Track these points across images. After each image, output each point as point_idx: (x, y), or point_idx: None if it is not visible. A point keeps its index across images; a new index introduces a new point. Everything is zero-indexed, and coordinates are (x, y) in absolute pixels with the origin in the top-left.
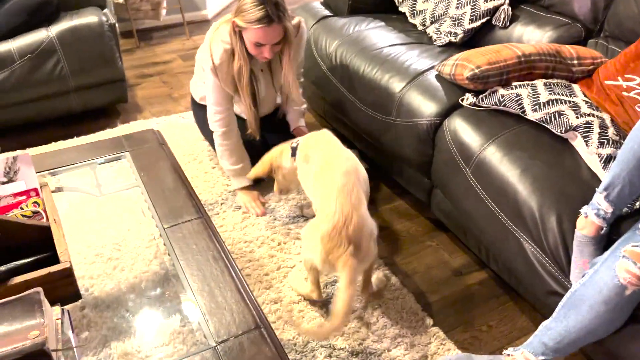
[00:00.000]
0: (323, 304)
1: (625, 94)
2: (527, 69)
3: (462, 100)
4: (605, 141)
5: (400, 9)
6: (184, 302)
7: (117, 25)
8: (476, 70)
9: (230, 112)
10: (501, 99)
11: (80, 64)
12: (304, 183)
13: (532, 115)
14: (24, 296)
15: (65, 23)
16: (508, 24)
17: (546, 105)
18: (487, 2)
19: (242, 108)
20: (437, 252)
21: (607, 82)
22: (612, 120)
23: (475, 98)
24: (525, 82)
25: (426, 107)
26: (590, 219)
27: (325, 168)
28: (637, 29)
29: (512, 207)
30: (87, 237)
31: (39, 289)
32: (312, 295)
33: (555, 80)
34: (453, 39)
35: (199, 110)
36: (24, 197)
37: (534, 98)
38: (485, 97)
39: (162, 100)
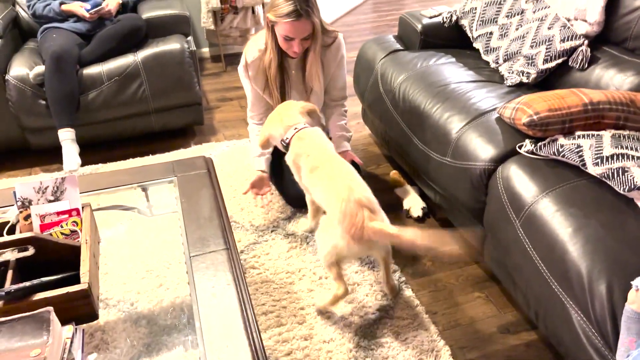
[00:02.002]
0: (354, 337)
1: None
2: (594, 117)
3: (520, 147)
4: None
5: (474, 45)
6: (191, 335)
7: (198, 51)
8: (534, 117)
9: (264, 113)
10: (560, 149)
11: (161, 88)
12: (296, 175)
13: (592, 170)
14: (36, 314)
15: (151, 49)
16: (586, 66)
17: (609, 160)
18: (563, 42)
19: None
20: (485, 304)
21: None
22: None
23: (533, 146)
24: (590, 132)
25: (482, 151)
26: None
27: (317, 169)
28: None
29: (560, 268)
30: (122, 256)
31: (50, 308)
32: (339, 291)
33: (626, 132)
34: (525, 79)
35: None
36: (65, 216)
37: (597, 150)
38: (544, 145)
39: (236, 124)
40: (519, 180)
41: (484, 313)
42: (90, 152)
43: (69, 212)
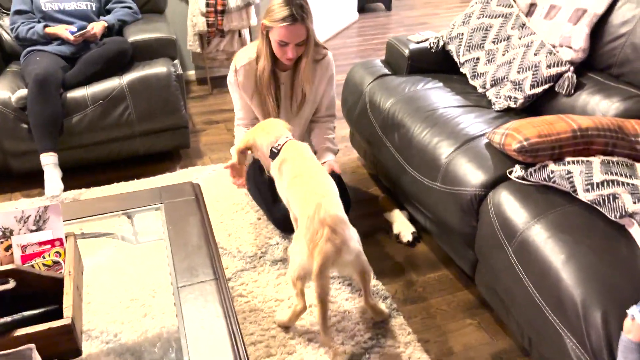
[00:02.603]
0: None
1: None
2: (583, 143)
3: (510, 172)
4: None
5: (461, 70)
6: None
7: (184, 74)
8: (524, 143)
9: (251, 121)
10: (551, 175)
11: (147, 111)
12: (278, 187)
13: (583, 196)
14: (17, 351)
15: (137, 72)
16: (572, 91)
17: (600, 186)
18: (549, 68)
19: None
20: (478, 331)
21: None
22: None
23: (524, 171)
24: (580, 159)
25: (472, 176)
26: (637, 322)
27: (297, 178)
28: None
29: (554, 296)
30: (105, 285)
31: (32, 345)
32: (298, 307)
33: (615, 159)
34: (512, 104)
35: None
36: (48, 246)
37: (587, 177)
38: (535, 171)
39: (223, 147)
40: (510, 206)
41: (476, 340)
42: (73, 176)
43: (51, 242)
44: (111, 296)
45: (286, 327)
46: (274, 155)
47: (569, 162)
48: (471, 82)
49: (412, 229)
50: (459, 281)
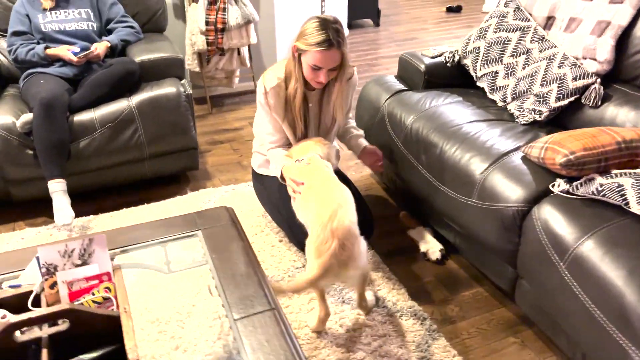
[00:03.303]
0: None
1: None
2: (628, 155)
3: (553, 186)
4: None
5: (478, 84)
6: None
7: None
8: (571, 157)
9: (285, 142)
10: (600, 189)
11: (157, 133)
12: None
13: (637, 209)
14: None
15: (145, 93)
16: (599, 103)
17: None
18: (575, 80)
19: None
20: (522, 349)
21: None
22: None
23: (568, 185)
24: (627, 171)
25: (512, 192)
26: None
27: (312, 189)
28: None
29: (617, 312)
30: (152, 313)
31: None
32: (321, 313)
33: None
34: (537, 117)
35: (258, 181)
36: (96, 282)
37: (639, 189)
38: (581, 184)
39: (231, 167)
40: (559, 221)
41: (522, 359)
42: (79, 202)
43: (99, 276)
44: (154, 324)
45: (318, 332)
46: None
47: (617, 175)
48: (490, 95)
49: (439, 246)
50: (494, 298)
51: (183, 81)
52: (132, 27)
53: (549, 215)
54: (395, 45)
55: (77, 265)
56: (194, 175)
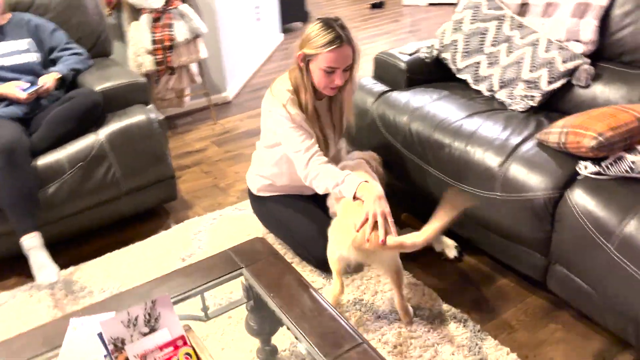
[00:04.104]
0: None
1: None
2: None
3: (581, 169)
4: None
5: (459, 76)
6: None
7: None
8: (601, 138)
9: (317, 146)
10: (632, 166)
11: (132, 166)
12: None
13: None
14: None
15: (114, 125)
16: (590, 83)
17: None
18: (565, 62)
19: None
20: (568, 335)
21: None
22: None
23: (597, 166)
24: None
25: (538, 180)
26: None
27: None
28: None
29: None
30: None
31: None
32: (335, 290)
33: None
34: (531, 102)
35: (259, 204)
36: (171, 349)
37: None
38: (611, 164)
39: (209, 192)
40: (597, 204)
41: (570, 344)
42: (52, 254)
43: (173, 342)
44: None
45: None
46: None
47: None
48: (474, 86)
49: (453, 243)
50: (521, 287)
51: (150, 106)
52: (79, 53)
53: (585, 199)
54: None
55: (145, 334)
56: (172, 206)
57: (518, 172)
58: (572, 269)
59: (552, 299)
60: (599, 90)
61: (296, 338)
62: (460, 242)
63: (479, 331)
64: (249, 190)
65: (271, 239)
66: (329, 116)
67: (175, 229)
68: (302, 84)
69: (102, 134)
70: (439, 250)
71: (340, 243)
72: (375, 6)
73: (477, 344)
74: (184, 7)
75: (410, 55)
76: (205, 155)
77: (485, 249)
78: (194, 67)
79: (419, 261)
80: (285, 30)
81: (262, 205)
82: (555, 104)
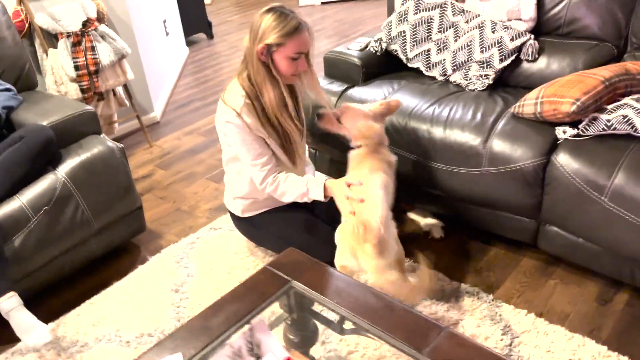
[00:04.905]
0: None
1: None
2: (612, 91)
3: (560, 134)
4: None
5: (411, 65)
6: None
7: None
8: (578, 102)
9: (274, 161)
10: (608, 124)
11: (101, 202)
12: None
13: None
14: None
15: (73, 160)
16: (537, 56)
17: None
18: (513, 40)
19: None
20: (567, 287)
21: None
22: None
23: (575, 129)
24: (620, 104)
25: (524, 150)
26: None
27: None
28: None
29: None
30: None
31: None
32: None
33: (637, 96)
34: (486, 81)
35: (248, 225)
36: None
37: None
38: (588, 125)
39: (174, 217)
40: (584, 162)
41: (572, 295)
42: (31, 308)
43: None
44: None
45: None
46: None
47: (613, 110)
48: (427, 73)
49: (440, 222)
50: (512, 252)
51: (102, 136)
52: (8, 89)
53: (571, 159)
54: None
55: None
56: (140, 240)
57: (502, 146)
58: (564, 226)
59: (542, 257)
60: (545, 62)
61: (378, 338)
62: (443, 220)
63: (492, 300)
64: (231, 214)
65: (262, 249)
66: (290, 109)
67: (153, 261)
68: (269, 79)
69: (62, 172)
70: (427, 229)
71: (340, 251)
72: None
73: (496, 312)
74: (104, 28)
75: (360, 50)
76: (154, 180)
77: (472, 223)
78: (120, 90)
79: (412, 246)
80: (189, 43)
81: (251, 226)
82: (508, 79)
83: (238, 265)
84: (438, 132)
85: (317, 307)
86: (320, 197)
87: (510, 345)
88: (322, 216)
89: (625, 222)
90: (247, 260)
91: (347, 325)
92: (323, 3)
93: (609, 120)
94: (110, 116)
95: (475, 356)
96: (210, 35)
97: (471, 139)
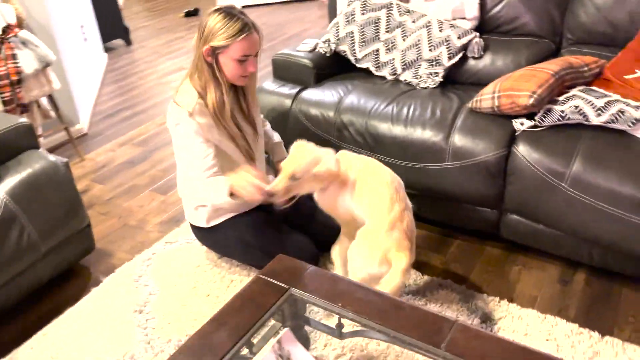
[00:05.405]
0: None
1: None
2: (561, 84)
3: (517, 126)
4: None
5: (360, 65)
6: None
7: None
8: (535, 95)
9: (218, 166)
10: (562, 114)
11: (48, 222)
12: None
13: (597, 120)
14: None
15: (13, 178)
16: (482, 53)
17: (606, 108)
18: (460, 38)
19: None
20: (530, 272)
21: (627, 77)
22: None
23: (531, 121)
24: (566, 96)
25: (486, 143)
26: None
27: (367, 177)
28: (605, 29)
29: (633, 203)
30: None
31: None
32: None
33: (582, 87)
34: (437, 78)
35: (214, 235)
36: None
37: (590, 105)
38: (544, 116)
39: (123, 234)
40: (543, 151)
41: (536, 279)
42: None
43: None
44: None
45: None
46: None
47: (564, 101)
48: (376, 73)
49: None
50: (473, 243)
51: (41, 150)
52: None
53: (531, 149)
54: (166, 59)
55: None
56: (88, 260)
57: (464, 140)
58: (526, 214)
59: (503, 245)
60: (490, 58)
61: (389, 340)
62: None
63: (466, 290)
64: (194, 228)
65: (226, 260)
66: (238, 110)
67: (108, 281)
68: (213, 80)
69: (1, 192)
70: None
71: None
72: (189, 14)
73: (471, 302)
74: (25, 34)
75: (310, 52)
76: (93, 196)
77: (435, 218)
78: (44, 101)
79: None
80: (107, 50)
81: (216, 234)
82: (454, 77)
83: (202, 279)
84: (399, 130)
85: (310, 314)
86: (225, 200)
87: (491, 332)
88: (295, 223)
89: (585, 205)
90: (211, 272)
91: (346, 329)
92: (243, 7)
93: (562, 111)
94: (36, 128)
95: (492, 346)
96: (128, 41)
97: (433, 135)
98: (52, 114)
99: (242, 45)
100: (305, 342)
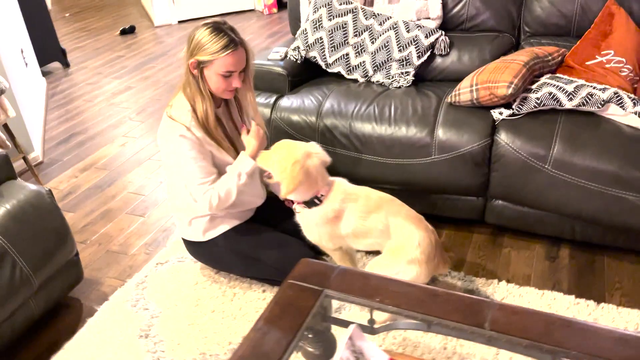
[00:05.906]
0: None
1: (607, 65)
2: (531, 73)
3: (496, 115)
4: (635, 101)
5: (331, 70)
6: None
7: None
8: (513, 85)
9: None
10: (538, 101)
11: (39, 254)
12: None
13: (569, 104)
14: None
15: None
16: (448, 50)
17: (576, 93)
18: (427, 37)
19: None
20: (519, 252)
21: (588, 63)
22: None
23: (509, 109)
24: (539, 84)
25: (469, 134)
26: None
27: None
28: (559, 21)
29: (610, 177)
30: None
31: None
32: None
33: (549, 75)
34: (408, 77)
35: (209, 249)
36: None
37: (561, 91)
38: (521, 105)
39: (108, 260)
40: (524, 137)
41: (525, 258)
42: None
43: None
44: None
45: None
46: (312, 203)
47: (537, 88)
48: (348, 76)
49: None
50: (461, 231)
51: (19, 180)
52: None
53: (513, 136)
54: (112, 79)
55: None
56: (77, 291)
57: (448, 134)
58: (511, 198)
59: (489, 230)
60: (457, 55)
61: (427, 329)
62: None
63: (465, 276)
64: (188, 244)
65: (223, 274)
66: (231, 122)
67: (103, 310)
68: (199, 93)
69: None
70: None
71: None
72: (125, 32)
73: (473, 287)
74: None
75: (281, 60)
76: None
77: (423, 211)
78: None
79: None
80: (44, 74)
81: (213, 248)
82: (423, 75)
83: (204, 296)
84: (384, 129)
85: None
86: (250, 163)
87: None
88: (290, 231)
89: (568, 184)
90: (211, 288)
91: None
92: (180, 22)
93: (538, 98)
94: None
95: (533, 319)
96: (65, 64)
97: (418, 132)
98: (9, 143)
99: (226, 61)
100: (333, 344)
